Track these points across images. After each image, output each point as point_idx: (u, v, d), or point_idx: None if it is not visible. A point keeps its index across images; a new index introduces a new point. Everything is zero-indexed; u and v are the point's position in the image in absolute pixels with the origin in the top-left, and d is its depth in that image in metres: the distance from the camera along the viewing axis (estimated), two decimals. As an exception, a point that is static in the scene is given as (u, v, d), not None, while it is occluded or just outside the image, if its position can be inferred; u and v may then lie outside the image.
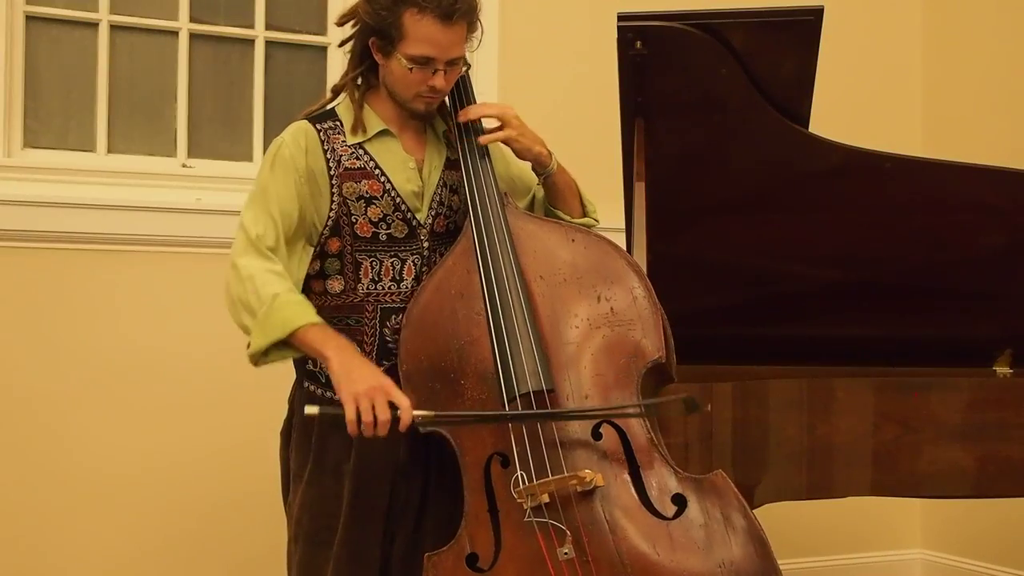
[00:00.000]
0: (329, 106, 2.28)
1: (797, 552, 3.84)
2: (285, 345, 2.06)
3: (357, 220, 2.18)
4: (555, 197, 2.32)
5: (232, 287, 2.12)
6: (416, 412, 1.98)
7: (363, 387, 1.97)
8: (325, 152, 2.18)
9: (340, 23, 2.27)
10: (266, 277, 2.08)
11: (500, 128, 2.23)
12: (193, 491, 3.30)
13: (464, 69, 2.24)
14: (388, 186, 2.19)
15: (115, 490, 3.23)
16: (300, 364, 2.26)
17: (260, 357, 2.09)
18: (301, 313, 2.06)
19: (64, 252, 3.21)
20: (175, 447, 3.28)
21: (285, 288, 2.08)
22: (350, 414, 1.95)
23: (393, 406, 1.96)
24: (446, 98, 2.27)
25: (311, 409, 1.99)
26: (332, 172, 2.18)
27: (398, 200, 2.20)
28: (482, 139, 2.22)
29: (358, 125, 2.20)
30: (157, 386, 3.27)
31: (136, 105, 3.44)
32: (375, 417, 1.95)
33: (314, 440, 2.22)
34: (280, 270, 2.12)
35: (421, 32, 2.09)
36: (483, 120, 2.27)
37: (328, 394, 2.20)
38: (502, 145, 2.27)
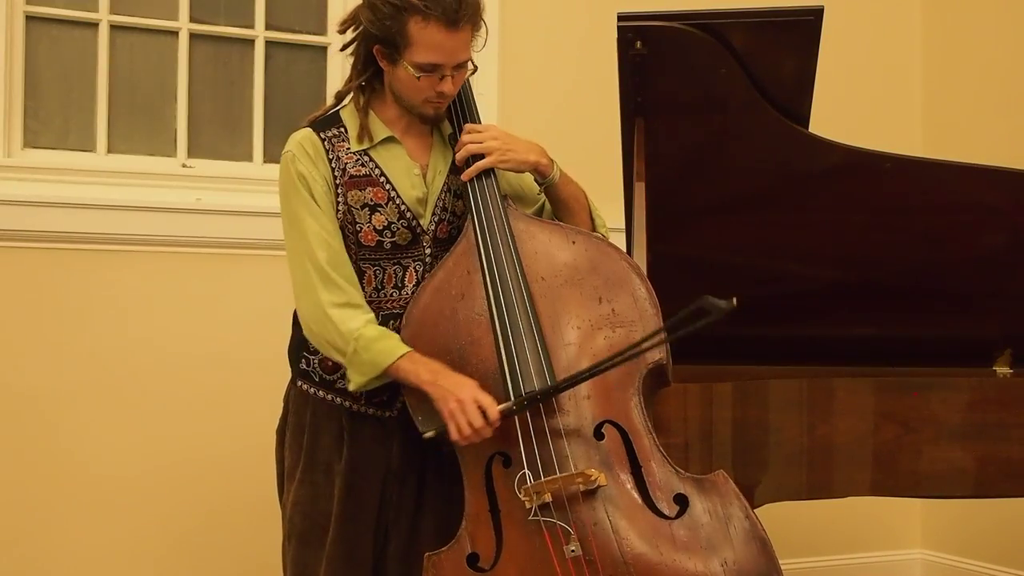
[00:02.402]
0: (333, 111, 2.27)
1: (797, 552, 3.85)
2: (382, 375, 2.11)
3: (361, 228, 2.17)
4: (560, 209, 2.29)
5: (313, 325, 2.15)
6: (500, 407, 2.02)
7: (454, 403, 2.01)
8: (330, 161, 2.17)
9: (341, 30, 2.23)
10: (342, 315, 2.12)
11: (481, 157, 2.18)
12: (192, 491, 3.30)
13: (472, 71, 2.20)
14: (393, 193, 2.19)
15: (114, 490, 3.23)
16: (295, 363, 2.27)
17: (363, 388, 2.14)
18: (386, 350, 2.10)
19: (64, 252, 3.21)
20: (174, 447, 3.28)
21: (362, 322, 2.12)
22: (453, 432, 2.02)
23: (482, 408, 2.01)
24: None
25: (428, 433, 2.06)
26: (338, 180, 2.17)
27: (403, 207, 2.19)
28: (464, 175, 2.19)
29: (363, 132, 2.19)
30: (157, 386, 3.28)
31: (136, 105, 3.44)
32: (472, 427, 2.00)
33: (306, 438, 2.23)
34: (353, 300, 2.14)
35: (427, 39, 2.07)
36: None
37: (319, 393, 2.22)
38: None
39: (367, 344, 2.09)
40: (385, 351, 2.09)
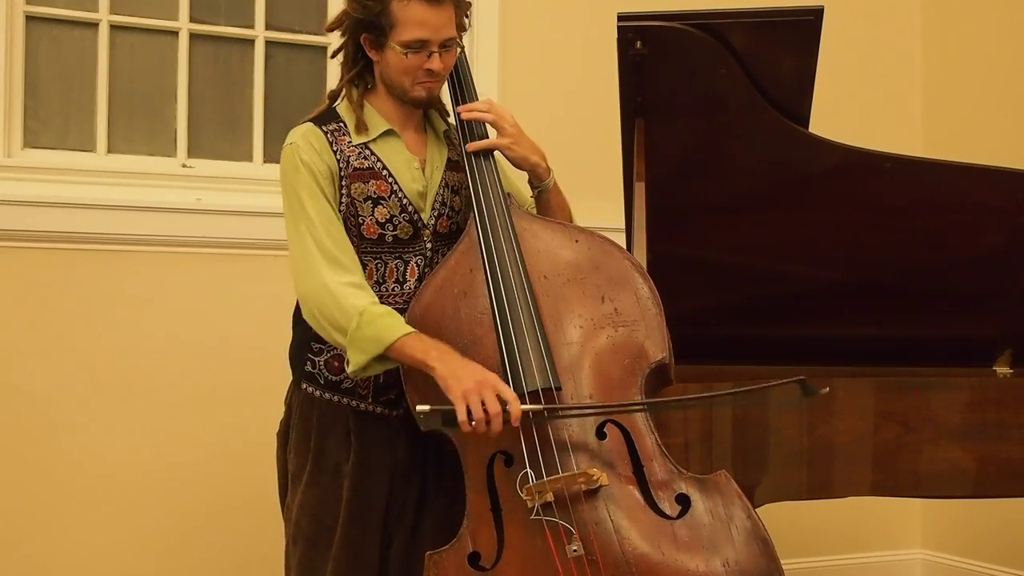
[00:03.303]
0: (328, 109, 2.27)
1: (797, 552, 3.85)
2: (383, 358, 2.07)
3: (364, 221, 2.17)
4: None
5: (314, 303, 2.10)
6: (525, 406, 1.97)
7: (471, 384, 1.96)
8: (335, 153, 2.18)
9: (329, 29, 2.26)
10: (345, 291, 2.08)
11: (495, 135, 2.22)
12: (192, 491, 3.29)
13: (459, 51, 2.23)
14: (395, 187, 2.19)
15: (114, 490, 3.23)
16: (298, 365, 2.26)
17: (360, 372, 2.09)
18: (392, 326, 2.05)
19: (64, 252, 3.21)
20: (174, 448, 3.28)
21: (369, 300, 2.08)
22: (461, 413, 1.95)
23: (502, 400, 1.96)
24: (446, 96, 2.27)
25: (423, 407, 1.98)
26: (342, 172, 2.17)
27: (404, 201, 2.19)
28: (470, 146, 2.20)
29: (361, 125, 2.20)
30: (157, 386, 3.27)
31: (136, 105, 3.44)
32: (487, 412, 1.95)
33: (313, 441, 2.22)
34: (357, 281, 2.11)
35: (410, 16, 2.11)
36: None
37: (325, 395, 2.21)
38: (500, 155, 2.26)
39: (372, 319, 2.05)
40: (391, 327, 2.05)
